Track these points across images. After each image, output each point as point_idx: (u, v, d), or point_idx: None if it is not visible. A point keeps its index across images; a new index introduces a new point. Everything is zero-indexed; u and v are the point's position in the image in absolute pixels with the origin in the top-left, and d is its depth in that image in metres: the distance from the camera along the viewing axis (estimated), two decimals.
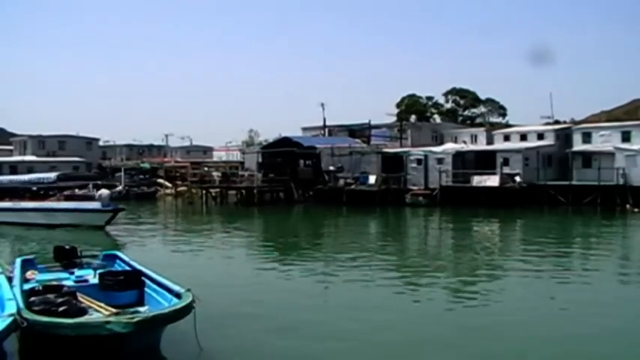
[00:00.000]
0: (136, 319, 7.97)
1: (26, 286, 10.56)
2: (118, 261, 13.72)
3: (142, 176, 71.89)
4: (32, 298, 9.33)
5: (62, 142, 74.74)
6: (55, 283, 10.51)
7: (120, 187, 64.32)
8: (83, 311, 9.09)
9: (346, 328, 11.21)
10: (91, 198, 35.35)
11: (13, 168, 64.91)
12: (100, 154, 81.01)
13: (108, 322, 8.02)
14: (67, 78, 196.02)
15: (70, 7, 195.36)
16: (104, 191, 31.64)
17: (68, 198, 35.63)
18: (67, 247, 13.83)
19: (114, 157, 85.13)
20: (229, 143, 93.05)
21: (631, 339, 10.76)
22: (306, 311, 12.83)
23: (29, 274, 11.89)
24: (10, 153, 77.65)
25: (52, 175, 33.84)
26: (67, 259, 13.30)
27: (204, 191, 58.28)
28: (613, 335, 10.92)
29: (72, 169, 67.72)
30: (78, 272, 12.24)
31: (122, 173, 67.87)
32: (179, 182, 68.51)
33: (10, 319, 7.74)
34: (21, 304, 8.96)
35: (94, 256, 14.30)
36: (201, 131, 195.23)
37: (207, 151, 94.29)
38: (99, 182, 33.66)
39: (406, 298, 14.45)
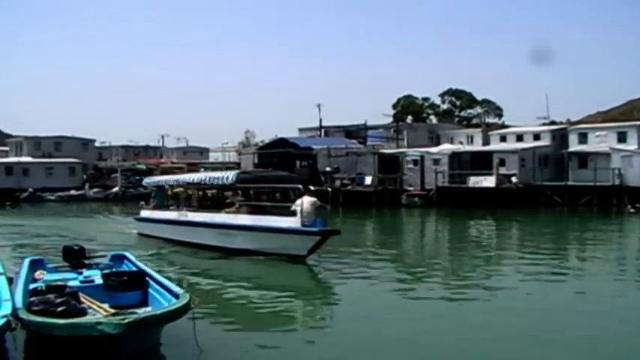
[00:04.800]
0: (126, 321, 7.92)
1: (32, 286, 10.57)
2: (125, 261, 13.76)
3: (138, 177, 71.62)
4: (32, 298, 9.35)
5: (58, 143, 74.48)
6: (60, 283, 10.51)
7: (116, 189, 64.50)
8: (83, 311, 9.07)
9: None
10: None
11: (9, 169, 64.93)
12: (96, 155, 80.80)
13: (99, 323, 8.00)
14: (63, 79, 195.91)
15: (67, 8, 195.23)
16: (307, 200, 18.68)
17: (256, 210, 21.25)
18: (76, 247, 13.96)
19: (110, 158, 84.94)
20: (225, 144, 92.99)
21: (629, 340, 10.75)
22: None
23: (37, 274, 11.93)
24: (6, 154, 77.42)
25: (230, 174, 21.98)
26: (76, 259, 13.35)
27: (200, 192, 58.00)
28: (612, 335, 10.95)
29: (68, 170, 67.87)
30: (86, 272, 12.27)
31: (118, 174, 67.90)
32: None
33: (2, 320, 7.77)
34: (20, 305, 9.00)
35: (103, 257, 14.34)
36: (198, 132, 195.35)
37: (203, 152, 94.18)
38: (299, 186, 19.88)
39: (413, 301, 14.43)
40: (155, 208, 26.72)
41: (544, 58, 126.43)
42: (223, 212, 21.52)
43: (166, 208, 25.79)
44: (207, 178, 23.27)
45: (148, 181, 30.36)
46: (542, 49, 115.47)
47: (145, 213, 27.17)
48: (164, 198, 27.14)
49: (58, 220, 37.27)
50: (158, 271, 15.39)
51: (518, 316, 12.24)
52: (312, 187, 20.32)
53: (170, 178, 28.48)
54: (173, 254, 21.14)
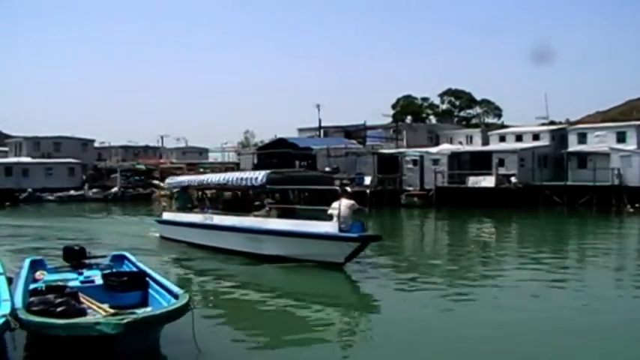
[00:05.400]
0: (125, 321, 7.89)
1: (32, 287, 10.59)
2: (126, 262, 13.77)
3: (137, 178, 71.82)
4: (32, 299, 9.37)
5: (57, 144, 74.35)
6: (60, 283, 10.53)
7: (115, 189, 64.50)
8: (82, 312, 9.08)
9: None
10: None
11: (8, 170, 64.86)
12: (95, 155, 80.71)
13: (98, 323, 7.99)
14: (62, 79, 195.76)
15: (66, 8, 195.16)
16: (345, 203, 17.32)
17: (285, 213, 19.70)
18: (76, 247, 13.98)
19: (109, 158, 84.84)
20: (225, 144, 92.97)
21: (628, 339, 10.78)
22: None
23: (38, 274, 11.97)
24: (5, 154, 77.38)
25: (259, 175, 20.05)
26: (76, 259, 13.37)
27: (199, 192, 58.17)
28: (612, 333, 10.97)
29: (67, 170, 67.86)
30: (86, 273, 12.29)
31: (118, 174, 67.87)
32: None
33: (1, 320, 7.78)
34: (20, 305, 9.01)
35: (103, 257, 14.30)
36: (197, 132, 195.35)
37: (202, 152, 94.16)
38: (337, 188, 19.47)
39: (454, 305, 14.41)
40: (178, 210, 25.67)
41: (543, 58, 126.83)
42: (252, 215, 20.03)
43: (190, 210, 24.64)
44: (235, 179, 21.76)
45: (170, 181, 28.92)
46: (542, 50, 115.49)
47: (167, 215, 26.16)
48: (187, 200, 26.07)
49: (66, 222, 36.68)
50: (183, 278, 15.21)
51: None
52: (348, 189, 18.88)
53: (194, 178, 27.06)
54: (198, 260, 20.16)
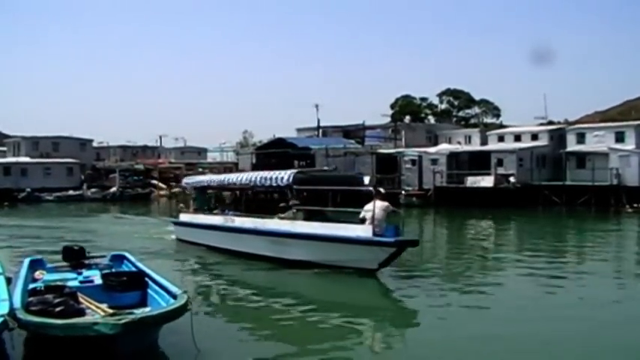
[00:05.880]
0: (123, 321, 7.88)
1: (31, 286, 10.58)
2: (125, 262, 13.76)
3: (135, 177, 71.87)
4: (31, 298, 9.35)
5: (56, 144, 74.29)
6: (59, 283, 10.52)
7: (114, 189, 64.54)
8: (81, 312, 9.06)
9: None
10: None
11: (7, 169, 64.85)
12: (93, 155, 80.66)
13: (96, 324, 7.97)
14: (61, 79, 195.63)
15: (65, 8, 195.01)
16: (379, 205, 16.20)
17: (312, 215, 18.49)
18: (76, 247, 13.98)
19: (108, 158, 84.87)
20: (223, 144, 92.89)
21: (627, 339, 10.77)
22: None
23: (37, 274, 11.96)
24: (4, 154, 77.38)
25: (285, 175, 18.91)
26: (76, 259, 13.36)
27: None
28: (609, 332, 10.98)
29: (66, 170, 67.86)
30: (86, 273, 12.27)
31: (116, 174, 67.93)
32: (173, 183, 68.40)
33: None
34: (19, 305, 9.00)
35: (103, 257, 14.25)
36: (196, 132, 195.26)
37: (201, 152, 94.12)
38: (370, 189, 17.45)
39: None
40: (196, 211, 24.39)
41: (542, 58, 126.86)
42: (277, 218, 18.87)
43: (209, 211, 23.42)
44: (258, 179, 20.34)
45: (187, 181, 27.50)
46: (541, 50, 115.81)
47: (184, 217, 24.78)
48: (206, 200, 25.05)
49: (78, 222, 36.47)
50: (202, 283, 14.99)
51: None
52: (382, 190, 17.19)
53: (214, 178, 25.74)
54: (218, 264, 19.14)
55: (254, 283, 16.25)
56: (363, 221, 16.27)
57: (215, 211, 22.91)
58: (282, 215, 18.81)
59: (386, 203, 16.43)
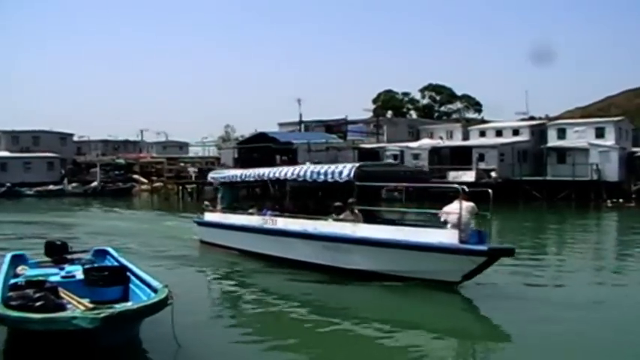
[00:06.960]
0: (102, 315, 7.86)
1: (12, 282, 10.53)
2: (108, 256, 13.69)
3: (117, 172, 71.53)
4: (11, 293, 9.30)
5: (36, 138, 73.82)
6: (40, 278, 10.45)
7: (95, 183, 64.13)
8: (62, 307, 8.99)
9: None
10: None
11: None
12: (74, 149, 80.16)
13: (74, 318, 7.95)
14: (41, 73, 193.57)
15: (47, 4, 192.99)
16: (465, 206, 13.62)
17: (370, 216, 16.47)
18: (58, 242, 13.94)
19: (89, 152, 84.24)
20: (205, 139, 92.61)
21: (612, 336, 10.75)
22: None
23: (19, 269, 11.91)
24: None
25: (345, 169, 16.14)
26: (58, 254, 13.27)
27: (180, 187, 58.35)
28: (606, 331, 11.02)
29: (46, 164, 67.34)
30: (68, 268, 12.16)
31: (97, 169, 67.46)
32: (155, 178, 68.24)
33: None
34: None
35: (85, 252, 14.09)
36: (177, 127, 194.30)
37: (183, 146, 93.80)
38: (459, 187, 13.74)
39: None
40: (224, 210, 21.55)
41: (524, 54, 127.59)
42: (331, 219, 16.16)
43: (240, 210, 20.92)
44: (309, 174, 17.37)
45: (214, 175, 24.38)
46: (523, 46, 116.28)
47: (210, 216, 21.99)
48: (235, 198, 22.84)
49: (69, 217, 35.83)
50: (243, 298, 14.15)
51: None
52: (466, 189, 13.99)
53: (249, 172, 21.29)
54: (256, 273, 16.79)
55: (302, 295, 13.90)
56: (444, 224, 14.10)
57: (250, 210, 20.13)
58: (338, 217, 16.17)
59: (472, 204, 13.99)
